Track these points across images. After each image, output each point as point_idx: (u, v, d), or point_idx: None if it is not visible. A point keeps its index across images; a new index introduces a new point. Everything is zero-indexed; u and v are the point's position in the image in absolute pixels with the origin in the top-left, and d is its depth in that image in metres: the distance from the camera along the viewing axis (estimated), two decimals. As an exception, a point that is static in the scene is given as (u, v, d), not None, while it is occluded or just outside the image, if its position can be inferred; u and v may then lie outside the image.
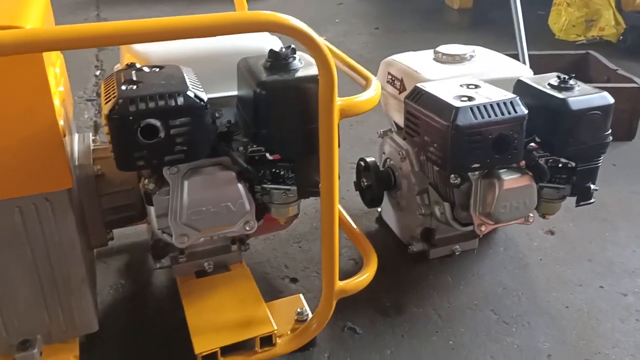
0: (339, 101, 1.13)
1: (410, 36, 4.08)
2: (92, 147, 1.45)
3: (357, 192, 1.86)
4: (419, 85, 1.50)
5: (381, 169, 1.80)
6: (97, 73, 3.30)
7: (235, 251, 1.54)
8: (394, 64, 1.74)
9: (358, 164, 1.84)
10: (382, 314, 1.55)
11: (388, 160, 1.82)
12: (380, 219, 1.95)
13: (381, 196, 1.80)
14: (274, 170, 1.30)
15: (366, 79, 1.31)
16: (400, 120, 1.74)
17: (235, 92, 1.35)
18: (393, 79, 1.73)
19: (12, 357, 1.20)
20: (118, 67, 1.62)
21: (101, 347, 1.39)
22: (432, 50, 1.77)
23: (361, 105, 1.19)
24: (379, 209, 1.98)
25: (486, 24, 4.30)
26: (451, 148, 1.34)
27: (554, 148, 1.48)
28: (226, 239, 1.53)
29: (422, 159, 1.66)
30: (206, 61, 1.36)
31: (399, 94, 1.69)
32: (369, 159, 1.80)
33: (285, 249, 1.81)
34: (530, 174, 1.47)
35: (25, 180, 1.09)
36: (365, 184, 1.80)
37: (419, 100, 1.46)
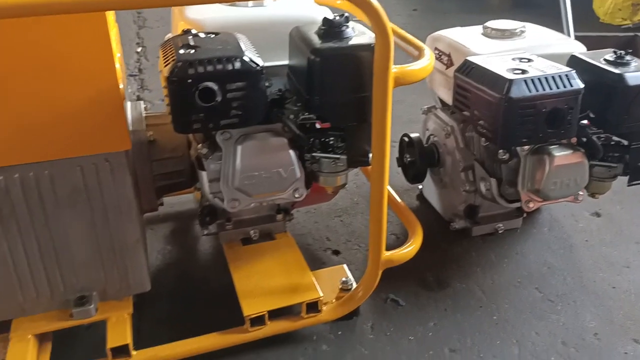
0: (394, 69, 1.13)
1: (450, 18, 4.02)
2: (144, 115, 1.48)
3: (399, 168, 1.86)
4: (469, 58, 1.48)
5: (425, 145, 1.79)
6: (139, 50, 3.35)
7: (280, 221, 1.56)
8: (442, 39, 1.72)
9: (401, 140, 1.83)
10: (424, 287, 1.56)
11: (432, 136, 1.81)
12: (421, 196, 1.95)
13: (424, 172, 1.79)
14: (323, 139, 1.31)
15: (419, 49, 1.31)
16: (445, 96, 1.72)
17: (284, 62, 1.36)
18: (440, 54, 1.71)
19: (70, 312, 1.25)
20: (169, 36, 1.65)
21: (152, 308, 1.43)
22: (480, 26, 1.74)
23: (416, 73, 1.19)
24: (420, 186, 1.97)
25: (528, 7, 4.20)
26: (503, 121, 1.32)
27: (608, 125, 1.45)
28: (272, 209, 1.55)
29: (467, 135, 1.65)
30: (256, 30, 1.36)
31: (446, 69, 1.68)
32: (413, 135, 1.79)
33: (327, 222, 1.83)
34: (582, 150, 1.44)
35: (87, 140, 1.12)
36: (409, 159, 1.80)
37: (470, 73, 1.44)
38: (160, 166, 1.42)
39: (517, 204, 1.55)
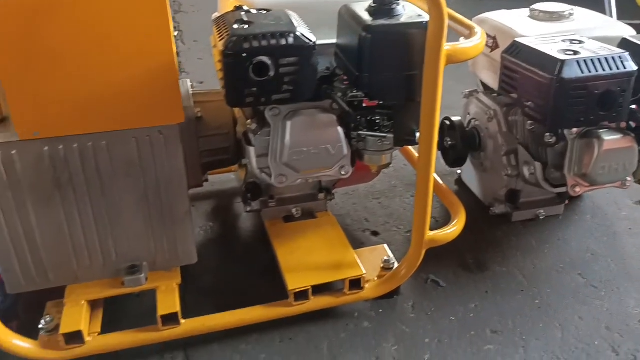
0: (446, 46, 1.12)
1: (488, 4, 3.95)
2: (191, 92, 1.50)
3: (438, 152, 1.85)
4: (518, 39, 1.47)
5: (466, 129, 1.78)
6: (175, 34, 3.39)
7: (321, 199, 1.57)
8: (487, 21, 1.70)
9: (442, 123, 1.82)
10: (464, 269, 1.56)
11: (473, 120, 1.80)
12: (459, 181, 1.94)
13: (465, 156, 1.78)
14: (370, 117, 1.31)
15: (469, 28, 1.30)
16: (489, 79, 1.71)
17: (330, 41, 1.36)
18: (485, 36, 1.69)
19: (121, 280, 1.28)
20: (216, 15, 1.67)
21: (195, 281, 1.46)
22: (527, 9, 1.72)
23: (468, 51, 1.18)
24: (459, 171, 1.97)
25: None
26: (554, 102, 1.31)
27: (659, 110, 1.42)
28: (314, 187, 1.57)
29: (511, 119, 1.64)
30: (304, 8, 1.37)
31: (491, 52, 1.66)
32: (454, 119, 1.78)
33: (365, 204, 1.84)
34: (633, 135, 1.42)
35: (143, 112, 1.15)
36: (449, 143, 1.79)
37: (519, 54, 1.43)
38: (206, 143, 1.45)
39: (562, 189, 1.54)
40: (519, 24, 1.61)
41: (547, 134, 1.45)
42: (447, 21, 1.08)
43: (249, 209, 1.53)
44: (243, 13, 1.21)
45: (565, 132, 1.44)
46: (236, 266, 1.56)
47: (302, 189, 1.56)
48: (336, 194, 1.84)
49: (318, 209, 1.59)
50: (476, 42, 1.20)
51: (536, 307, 1.43)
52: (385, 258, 1.44)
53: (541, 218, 1.72)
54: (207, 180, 1.51)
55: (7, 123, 1.13)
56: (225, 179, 1.93)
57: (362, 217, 1.77)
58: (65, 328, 1.19)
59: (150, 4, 1.06)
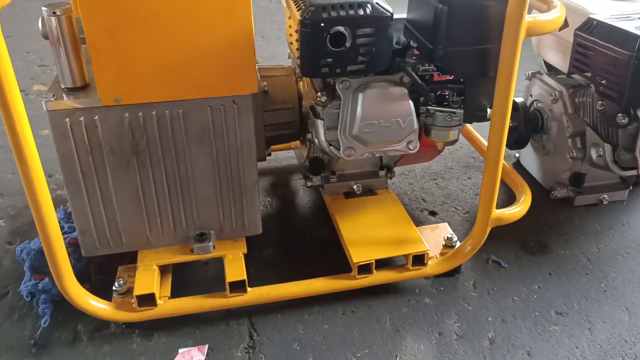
0: (527, 18, 1.10)
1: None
2: (257, 66, 1.52)
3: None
4: (592, 16, 1.43)
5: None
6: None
7: (382, 177, 1.57)
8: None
9: (504, 104, 1.79)
10: (526, 251, 1.54)
11: (536, 102, 1.76)
12: (518, 164, 1.91)
13: (527, 138, 1.75)
14: (439, 92, 1.31)
15: (546, 2, 1.26)
16: (556, 59, 1.67)
17: (399, 15, 1.35)
18: (553, 15, 1.65)
19: (190, 247, 1.32)
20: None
21: (258, 253, 1.49)
22: (597, -12, 1.67)
23: (548, 24, 1.15)
24: (517, 154, 1.93)
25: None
26: (632, 79, 1.27)
27: None
28: (375, 164, 1.57)
29: (578, 101, 1.60)
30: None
31: (559, 31, 1.62)
32: (517, 100, 1.75)
33: (422, 184, 1.83)
34: None
35: (219, 81, 1.17)
36: (511, 124, 1.75)
37: (594, 31, 1.39)
38: (271, 116, 1.46)
39: (631, 172, 1.50)
40: (590, 2, 1.57)
41: (620, 115, 1.41)
42: (529, -8, 1.06)
43: (310, 184, 1.54)
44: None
45: (638, 112, 1.40)
46: (296, 240, 1.57)
47: (364, 165, 1.56)
48: (392, 174, 1.84)
49: (378, 185, 1.59)
50: (557, 14, 1.17)
51: (602, 291, 1.41)
52: (448, 235, 1.43)
53: (604, 203, 1.68)
54: (269, 155, 1.53)
55: (89, 89, 1.17)
56: (281, 157, 1.95)
57: (419, 197, 1.77)
58: (138, 290, 1.22)
59: (232, -29, 1.07)
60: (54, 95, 1.13)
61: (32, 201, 1.04)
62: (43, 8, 1.09)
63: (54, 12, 1.08)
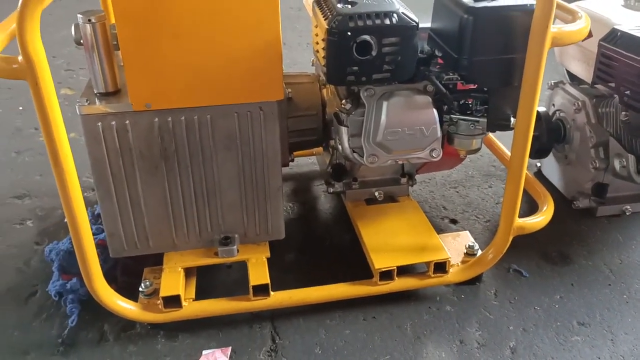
0: (553, 28, 1.11)
1: None
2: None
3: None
4: (617, 27, 1.43)
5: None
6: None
7: (404, 184, 1.58)
8: (579, 9, 1.66)
9: (526, 114, 1.79)
10: (547, 261, 1.53)
11: (558, 112, 1.76)
12: (539, 173, 1.91)
13: (549, 148, 1.75)
14: (463, 101, 1.32)
15: (571, 13, 1.27)
16: (579, 69, 1.67)
17: (423, 24, 1.37)
18: (576, 25, 1.65)
19: (215, 250, 1.34)
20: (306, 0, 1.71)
21: (279, 257, 1.50)
22: (620, -2, 1.67)
23: (573, 34, 1.16)
24: (538, 163, 1.93)
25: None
26: (657, 90, 1.27)
27: None
28: (396, 172, 1.58)
29: (601, 111, 1.59)
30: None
31: (582, 40, 1.62)
32: (540, 109, 1.75)
33: (442, 192, 1.83)
34: None
35: (247, 88, 1.19)
36: (533, 134, 1.75)
37: (619, 42, 1.39)
38: (295, 123, 1.48)
39: (655, 183, 1.49)
40: (614, 13, 1.57)
41: (645, 125, 1.41)
42: (555, 4, 1.07)
43: (332, 190, 1.55)
44: (346, -7, 1.23)
45: (664, 123, 1.40)
46: (317, 245, 1.59)
47: (385, 172, 1.57)
48: (413, 181, 1.85)
49: (400, 193, 1.60)
50: (581, 25, 1.18)
51: (624, 302, 1.40)
52: (470, 244, 1.43)
53: (627, 214, 1.67)
54: (292, 160, 1.55)
55: (121, 94, 1.20)
56: (302, 162, 1.97)
57: (440, 205, 1.77)
58: (164, 292, 1.25)
59: (262, -20, 1.10)
60: (87, 100, 1.16)
61: (65, 204, 1.07)
62: (79, 15, 1.12)
63: (89, 20, 1.11)
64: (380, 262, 1.34)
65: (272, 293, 1.30)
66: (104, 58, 1.14)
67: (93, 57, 1.14)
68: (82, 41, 1.15)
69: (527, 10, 1.15)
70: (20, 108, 2.41)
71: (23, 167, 1.97)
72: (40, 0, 0.90)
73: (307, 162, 1.97)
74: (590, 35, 1.60)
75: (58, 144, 1.02)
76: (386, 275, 1.35)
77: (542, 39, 1.10)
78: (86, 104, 1.16)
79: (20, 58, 0.94)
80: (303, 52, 3.03)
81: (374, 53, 1.16)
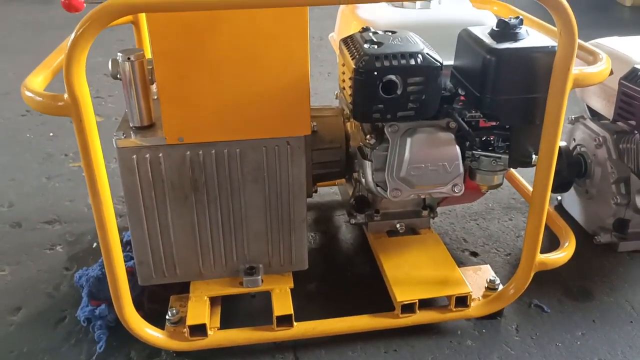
0: (574, 70, 1.14)
1: (579, 33, 3.87)
2: (306, 107, 1.59)
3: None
4: (637, 66, 1.46)
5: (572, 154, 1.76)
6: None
7: (425, 216, 1.60)
8: (600, 47, 1.68)
9: (546, 148, 1.81)
10: (569, 297, 1.53)
11: (579, 147, 1.78)
12: (560, 207, 1.91)
13: (570, 182, 1.76)
14: (485, 137, 1.34)
15: (592, 54, 1.31)
16: (600, 105, 1.69)
17: (447, 62, 1.40)
18: (597, 62, 1.68)
19: (240, 280, 1.37)
20: (332, 35, 1.76)
21: (301, 287, 1.52)
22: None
23: (594, 76, 1.19)
24: (559, 197, 1.94)
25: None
26: (678, 130, 1.29)
27: None
28: (418, 204, 1.60)
29: (622, 147, 1.61)
30: (423, 30, 1.42)
31: (603, 78, 1.64)
32: (560, 144, 1.77)
33: (463, 225, 1.85)
34: None
35: (276, 123, 1.24)
36: (554, 168, 1.77)
37: (639, 81, 1.41)
38: (319, 155, 1.52)
39: (678, 220, 1.49)
40: (635, 51, 1.59)
41: (666, 163, 1.42)
42: (576, 45, 1.10)
43: (354, 221, 1.58)
44: (371, 34, 1.28)
45: (686, 162, 1.41)
46: (339, 275, 1.61)
47: (407, 204, 1.60)
48: (433, 213, 1.87)
49: (421, 225, 1.62)
50: (602, 67, 1.21)
51: (648, 340, 1.39)
52: (491, 278, 1.44)
53: (649, 250, 1.67)
54: (316, 192, 1.58)
55: (155, 128, 1.25)
56: (324, 192, 2.00)
57: (460, 237, 1.79)
58: (191, 320, 1.28)
59: (295, 22, 1.15)
60: (123, 134, 1.22)
61: (101, 234, 1.12)
62: (119, 54, 1.18)
63: (129, 58, 1.17)
64: (402, 295, 1.35)
65: (295, 324, 1.32)
66: (140, 95, 1.20)
67: (131, 93, 1.20)
68: (119, 76, 1.20)
69: (549, 52, 1.18)
70: (51, 134, 2.49)
71: (53, 192, 2.04)
72: (87, 44, 0.95)
73: (329, 191, 2.01)
74: (611, 72, 1.63)
75: (97, 177, 1.07)
76: (408, 307, 1.36)
77: (564, 80, 1.13)
78: (122, 137, 1.21)
79: (65, 96, 1.00)
80: (324, 82, 3.09)
81: (399, 92, 1.20)
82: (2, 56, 3.53)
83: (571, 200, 1.86)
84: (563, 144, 1.78)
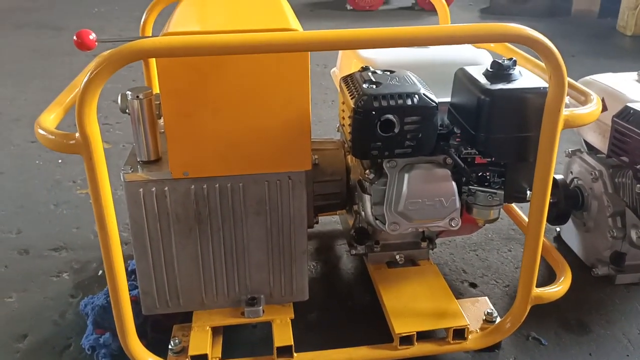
0: (565, 111, 1.18)
1: (579, 60, 3.95)
2: (308, 140, 1.63)
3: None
4: (630, 104, 1.50)
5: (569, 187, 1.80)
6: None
7: (424, 248, 1.64)
8: (594, 83, 1.74)
9: (544, 181, 1.85)
10: (566, 329, 1.55)
11: (576, 179, 1.81)
12: (558, 238, 1.94)
13: (568, 215, 1.79)
14: (481, 173, 1.38)
15: (584, 94, 1.35)
16: (595, 140, 1.73)
17: (443, 99, 1.45)
18: (592, 98, 1.73)
19: (241, 310, 1.40)
20: (335, 71, 1.82)
21: (305, 315, 1.55)
22: (635, 73, 1.75)
23: (585, 117, 1.23)
24: (558, 229, 1.96)
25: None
26: (669, 168, 1.32)
27: None
28: (417, 236, 1.64)
29: (618, 181, 1.64)
30: (421, 69, 1.47)
31: (597, 114, 1.68)
32: (557, 176, 1.81)
33: (462, 255, 1.88)
34: None
35: (278, 159, 1.28)
36: (551, 201, 1.80)
37: (631, 119, 1.45)
38: (320, 187, 1.56)
39: (672, 255, 1.52)
40: (628, 89, 1.64)
41: (660, 199, 1.45)
42: (566, 88, 1.15)
43: (354, 252, 1.61)
44: (370, 73, 1.33)
45: (679, 197, 1.44)
46: (339, 305, 1.64)
47: (406, 236, 1.63)
48: (433, 243, 1.90)
49: (420, 256, 1.65)
50: (593, 108, 1.25)
51: (644, 374, 1.41)
52: (488, 311, 1.47)
53: (646, 283, 1.69)
54: (317, 222, 1.62)
55: (161, 163, 1.30)
56: (325, 221, 2.04)
57: (459, 268, 1.81)
58: (193, 350, 1.30)
59: (296, 63, 1.20)
60: (131, 168, 1.26)
61: (107, 265, 1.16)
62: (128, 92, 1.23)
63: (137, 96, 1.22)
64: (400, 327, 1.38)
65: (295, 354, 1.35)
66: (148, 131, 1.25)
67: (139, 129, 1.25)
68: (127, 111, 1.26)
69: (541, 93, 1.23)
70: (60, 161, 2.55)
71: (60, 219, 2.08)
72: (100, 86, 1.01)
73: (330, 220, 2.04)
74: (605, 108, 1.68)
75: (105, 210, 1.11)
76: (406, 339, 1.38)
77: (555, 121, 1.17)
78: (130, 171, 1.26)
79: (77, 135, 1.05)
80: (328, 110, 3.15)
81: (396, 130, 1.25)
82: (13, 82, 3.61)
83: (570, 232, 1.89)
84: (560, 176, 1.81)
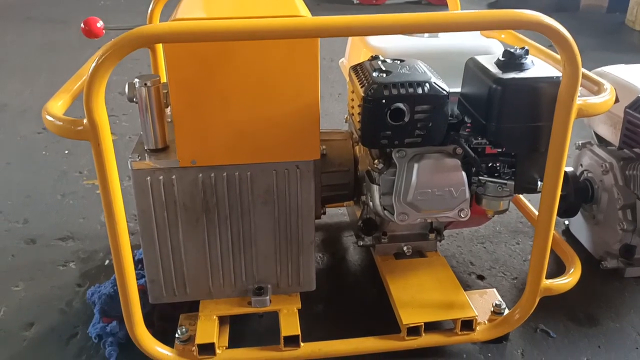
0: (578, 100, 1.16)
1: (587, 55, 3.89)
2: (316, 130, 1.62)
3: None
4: (642, 95, 1.48)
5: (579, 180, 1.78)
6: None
7: (432, 239, 1.62)
8: (606, 75, 1.72)
9: (553, 173, 1.83)
10: (575, 322, 1.54)
11: (586, 172, 1.80)
12: (567, 232, 1.92)
13: (577, 207, 1.78)
14: (491, 164, 1.37)
15: (597, 84, 1.33)
16: (606, 132, 1.71)
17: (454, 89, 1.44)
18: (603, 90, 1.71)
19: (248, 300, 1.39)
20: (343, 61, 1.81)
21: (308, 307, 1.54)
22: (647, 64, 1.73)
23: (598, 106, 1.22)
24: (566, 222, 1.95)
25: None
26: (683, 159, 1.30)
27: None
28: (425, 227, 1.62)
29: (628, 173, 1.62)
30: (431, 59, 1.46)
31: (609, 105, 1.67)
32: (567, 169, 1.79)
33: (470, 248, 1.86)
34: None
35: (286, 148, 1.27)
36: (561, 193, 1.78)
37: (644, 110, 1.43)
38: (328, 178, 1.55)
39: (684, 248, 1.50)
40: (640, 79, 1.62)
41: (671, 191, 1.43)
42: (580, 76, 1.13)
43: (361, 243, 1.60)
44: (380, 62, 1.32)
45: (691, 190, 1.42)
46: (345, 297, 1.63)
47: (414, 227, 1.62)
48: (440, 236, 1.88)
49: (428, 248, 1.64)
50: (606, 97, 1.24)
51: (654, 368, 1.39)
52: (497, 302, 1.45)
53: (656, 276, 1.68)
54: (324, 213, 1.61)
55: (168, 151, 1.29)
56: (332, 213, 2.03)
57: (467, 260, 1.80)
58: (200, 339, 1.30)
59: (306, 51, 1.19)
60: (138, 156, 1.26)
61: (115, 253, 1.15)
62: (136, 79, 1.23)
63: (145, 84, 1.22)
64: (408, 317, 1.37)
65: (302, 344, 1.34)
66: (156, 119, 1.24)
67: (146, 117, 1.24)
68: (135, 100, 1.25)
69: (554, 82, 1.21)
70: (66, 152, 2.55)
71: (67, 209, 2.08)
72: (107, 72, 1.00)
73: (337, 212, 2.03)
74: (617, 99, 1.65)
75: (113, 198, 1.10)
76: (413, 330, 1.37)
77: (568, 110, 1.16)
78: (137, 159, 1.25)
79: (85, 121, 1.04)
80: (335, 103, 3.13)
81: (406, 119, 1.23)
82: (19, 75, 3.61)
83: (579, 225, 1.87)
84: (570, 169, 1.80)
